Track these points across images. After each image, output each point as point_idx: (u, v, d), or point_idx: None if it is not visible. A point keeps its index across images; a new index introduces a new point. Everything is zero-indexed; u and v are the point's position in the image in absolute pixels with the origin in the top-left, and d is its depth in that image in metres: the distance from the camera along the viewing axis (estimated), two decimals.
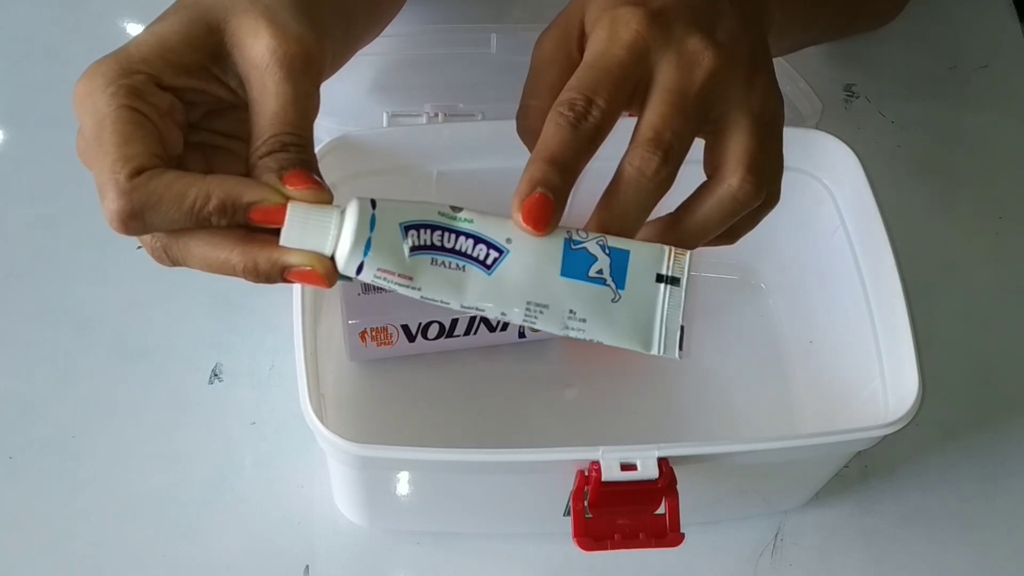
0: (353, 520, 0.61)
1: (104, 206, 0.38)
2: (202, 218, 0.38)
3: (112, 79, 0.39)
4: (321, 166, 0.57)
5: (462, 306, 0.40)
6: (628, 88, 0.42)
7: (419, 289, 0.40)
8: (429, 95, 0.68)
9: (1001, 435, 0.67)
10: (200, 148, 0.44)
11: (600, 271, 0.41)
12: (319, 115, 0.64)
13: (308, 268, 0.40)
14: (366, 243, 0.39)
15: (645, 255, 0.42)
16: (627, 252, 0.41)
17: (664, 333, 0.42)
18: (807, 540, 0.62)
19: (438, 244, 0.40)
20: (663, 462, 0.50)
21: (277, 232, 0.39)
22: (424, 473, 0.54)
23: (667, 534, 0.51)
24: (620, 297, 0.42)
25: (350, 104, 0.70)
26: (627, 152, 0.42)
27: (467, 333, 0.64)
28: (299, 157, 0.40)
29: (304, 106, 0.41)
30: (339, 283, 0.40)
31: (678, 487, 0.50)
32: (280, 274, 0.40)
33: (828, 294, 0.64)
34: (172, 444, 0.63)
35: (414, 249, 0.40)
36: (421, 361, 0.65)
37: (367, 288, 0.63)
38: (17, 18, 0.81)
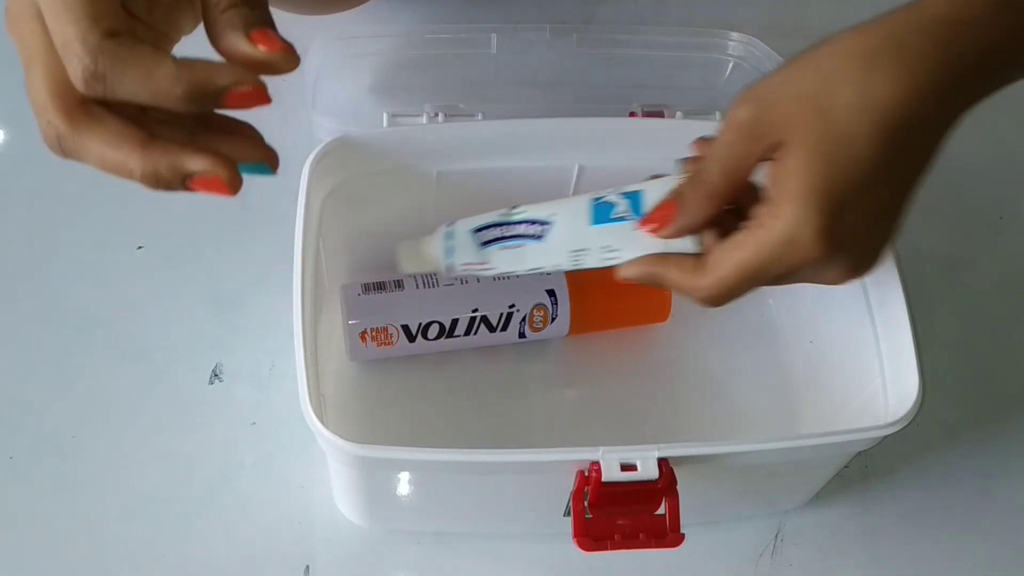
0: (353, 520, 0.61)
1: (69, 63, 0.36)
2: (165, 97, 0.37)
3: None
4: (321, 166, 0.57)
5: (526, 270, 0.52)
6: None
7: (493, 268, 0.53)
8: (429, 95, 0.68)
9: (1001, 435, 0.67)
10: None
11: (622, 211, 0.50)
12: (319, 115, 0.64)
13: (212, 175, 0.38)
14: (449, 251, 0.53)
15: (656, 188, 0.49)
16: (640, 192, 0.50)
17: None
18: (807, 540, 0.62)
19: (502, 236, 0.52)
20: (663, 462, 0.49)
21: (182, 137, 0.38)
22: (424, 473, 0.54)
23: (667, 534, 0.51)
24: None
25: (350, 104, 0.70)
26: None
27: (467, 333, 0.64)
28: (259, 15, 0.39)
29: None
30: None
31: (678, 487, 0.50)
32: (181, 182, 0.38)
33: (828, 294, 0.64)
34: (172, 444, 0.63)
35: (485, 243, 0.52)
36: (421, 361, 0.65)
37: (367, 288, 0.63)
38: None
